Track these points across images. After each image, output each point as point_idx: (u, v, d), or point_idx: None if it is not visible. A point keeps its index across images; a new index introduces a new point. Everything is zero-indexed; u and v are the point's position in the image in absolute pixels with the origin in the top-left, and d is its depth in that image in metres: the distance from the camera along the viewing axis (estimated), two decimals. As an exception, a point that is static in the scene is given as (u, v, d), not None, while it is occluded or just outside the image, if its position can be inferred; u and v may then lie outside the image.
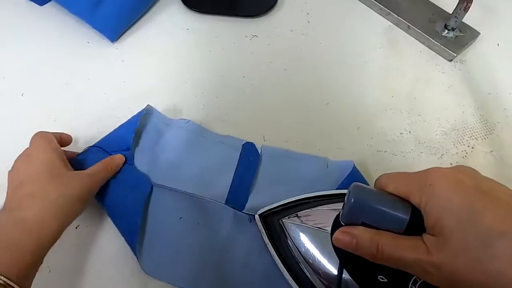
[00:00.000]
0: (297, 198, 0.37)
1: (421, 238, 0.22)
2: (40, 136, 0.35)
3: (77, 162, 0.39)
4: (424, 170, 0.24)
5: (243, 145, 0.41)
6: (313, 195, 0.36)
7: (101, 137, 0.41)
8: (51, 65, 0.47)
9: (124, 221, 0.36)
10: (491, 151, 0.42)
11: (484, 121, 0.44)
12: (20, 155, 0.35)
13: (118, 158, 0.38)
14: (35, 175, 0.32)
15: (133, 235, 0.35)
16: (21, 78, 0.46)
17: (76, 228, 0.37)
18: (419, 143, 0.43)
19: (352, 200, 0.24)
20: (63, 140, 0.38)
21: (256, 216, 0.36)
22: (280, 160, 0.40)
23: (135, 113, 0.42)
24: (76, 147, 0.40)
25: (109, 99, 0.45)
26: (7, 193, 0.33)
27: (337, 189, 0.38)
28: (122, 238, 0.35)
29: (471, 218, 0.21)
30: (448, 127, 0.44)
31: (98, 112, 0.44)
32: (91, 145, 0.40)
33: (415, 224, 0.23)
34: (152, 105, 0.43)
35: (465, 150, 0.42)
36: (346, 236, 0.24)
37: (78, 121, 0.43)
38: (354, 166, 0.39)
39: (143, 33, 0.50)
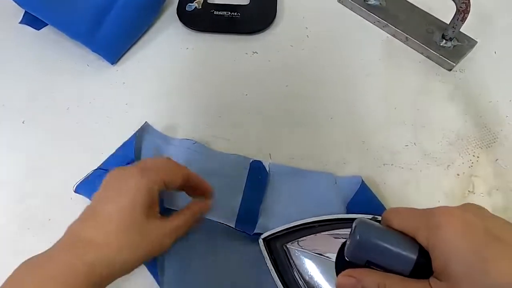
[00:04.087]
0: (302, 222, 0.36)
1: (428, 282, 0.22)
2: (142, 169, 0.30)
3: (83, 187, 0.38)
4: (431, 208, 0.23)
5: (250, 163, 0.41)
6: (318, 219, 0.36)
7: (105, 161, 0.40)
8: (51, 91, 0.47)
9: None
10: (496, 160, 0.42)
11: (487, 129, 0.44)
12: (118, 170, 0.30)
13: (205, 204, 0.34)
14: (108, 214, 0.27)
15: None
16: (21, 105, 0.46)
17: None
18: (424, 154, 0.43)
19: (358, 237, 0.23)
20: (168, 183, 0.31)
21: (260, 241, 0.36)
22: (288, 178, 0.40)
23: (139, 136, 0.42)
24: (82, 173, 0.39)
25: (112, 122, 0.45)
26: (87, 207, 0.29)
27: (347, 205, 0.38)
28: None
29: (481, 266, 0.20)
30: (452, 137, 0.44)
31: (102, 136, 0.43)
32: (94, 169, 0.39)
33: (423, 264, 0.22)
34: (151, 124, 0.43)
35: (470, 160, 0.42)
36: (350, 280, 0.23)
37: (81, 147, 0.43)
38: (363, 182, 0.39)
39: (143, 54, 0.50)
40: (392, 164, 0.42)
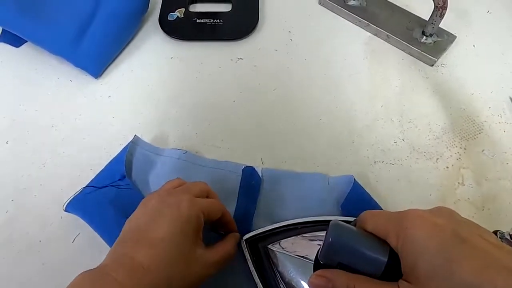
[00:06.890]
0: (285, 224, 0.36)
1: (397, 284, 0.22)
2: (189, 195, 0.30)
3: (74, 205, 0.38)
4: (403, 211, 0.24)
5: (243, 169, 0.41)
6: (301, 221, 0.36)
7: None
8: (34, 108, 0.46)
9: None
10: (482, 150, 0.43)
11: (471, 121, 0.45)
12: (167, 194, 0.30)
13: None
14: (161, 240, 0.27)
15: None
16: (4, 125, 0.44)
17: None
18: (413, 149, 0.43)
19: (330, 239, 0.24)
20: (211, 214, 0.31)
21: (242, 242, 0.36)
22: (281, 181, 0.40)
23: (128, 149, 0.41)
24: (71, 191, 0.38)
25: (99, 137, 0.44)
26: (122, 233, 0.29)
27: (342, 205, 0.38)
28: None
29: (447, 267, 0.20)
30: (439, 131, 0.45)
31: (89, 152, 0.43)
32: (84, 186, 0.39)
33: (393, 267, 0.23)
34: (140, 137, 0.42)
35: (458, 152, 0.43)
36: (321, 280, 0.24)
37: (69, 164, 0.42)
38: (355, 180, 0.39)
39: (126, 66, 0.49)
40: (382, 161, 0.43)
